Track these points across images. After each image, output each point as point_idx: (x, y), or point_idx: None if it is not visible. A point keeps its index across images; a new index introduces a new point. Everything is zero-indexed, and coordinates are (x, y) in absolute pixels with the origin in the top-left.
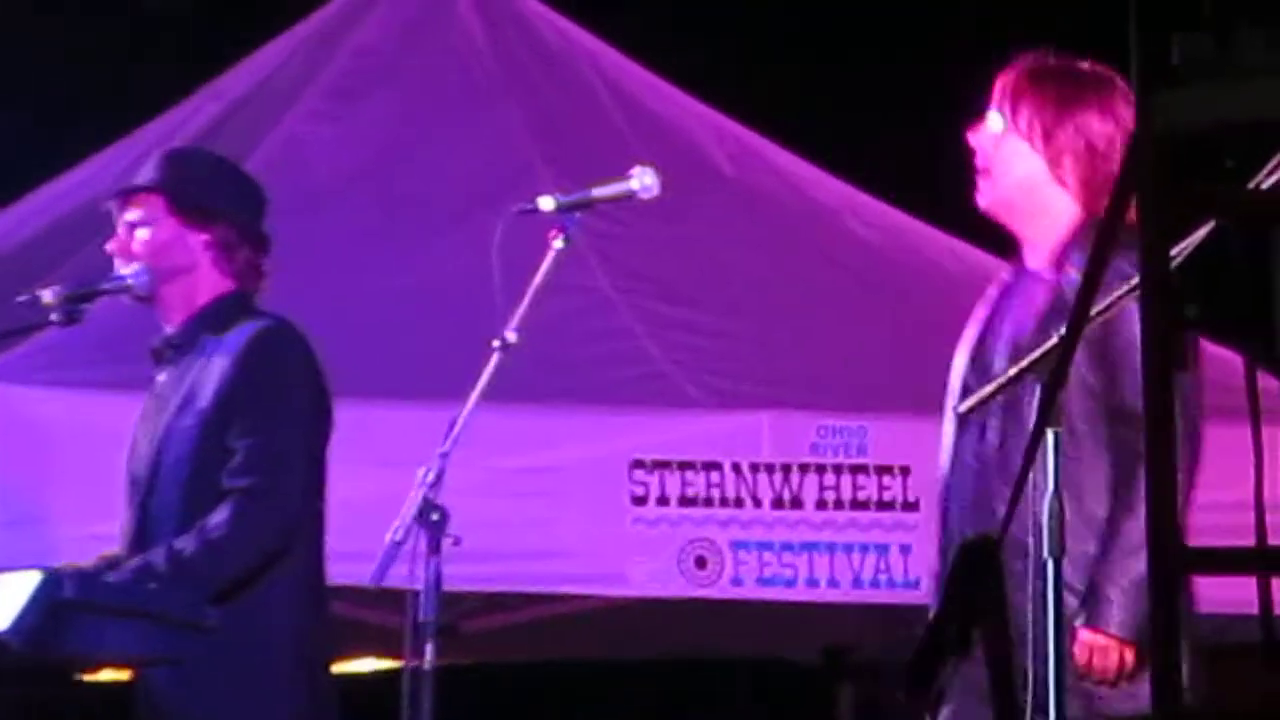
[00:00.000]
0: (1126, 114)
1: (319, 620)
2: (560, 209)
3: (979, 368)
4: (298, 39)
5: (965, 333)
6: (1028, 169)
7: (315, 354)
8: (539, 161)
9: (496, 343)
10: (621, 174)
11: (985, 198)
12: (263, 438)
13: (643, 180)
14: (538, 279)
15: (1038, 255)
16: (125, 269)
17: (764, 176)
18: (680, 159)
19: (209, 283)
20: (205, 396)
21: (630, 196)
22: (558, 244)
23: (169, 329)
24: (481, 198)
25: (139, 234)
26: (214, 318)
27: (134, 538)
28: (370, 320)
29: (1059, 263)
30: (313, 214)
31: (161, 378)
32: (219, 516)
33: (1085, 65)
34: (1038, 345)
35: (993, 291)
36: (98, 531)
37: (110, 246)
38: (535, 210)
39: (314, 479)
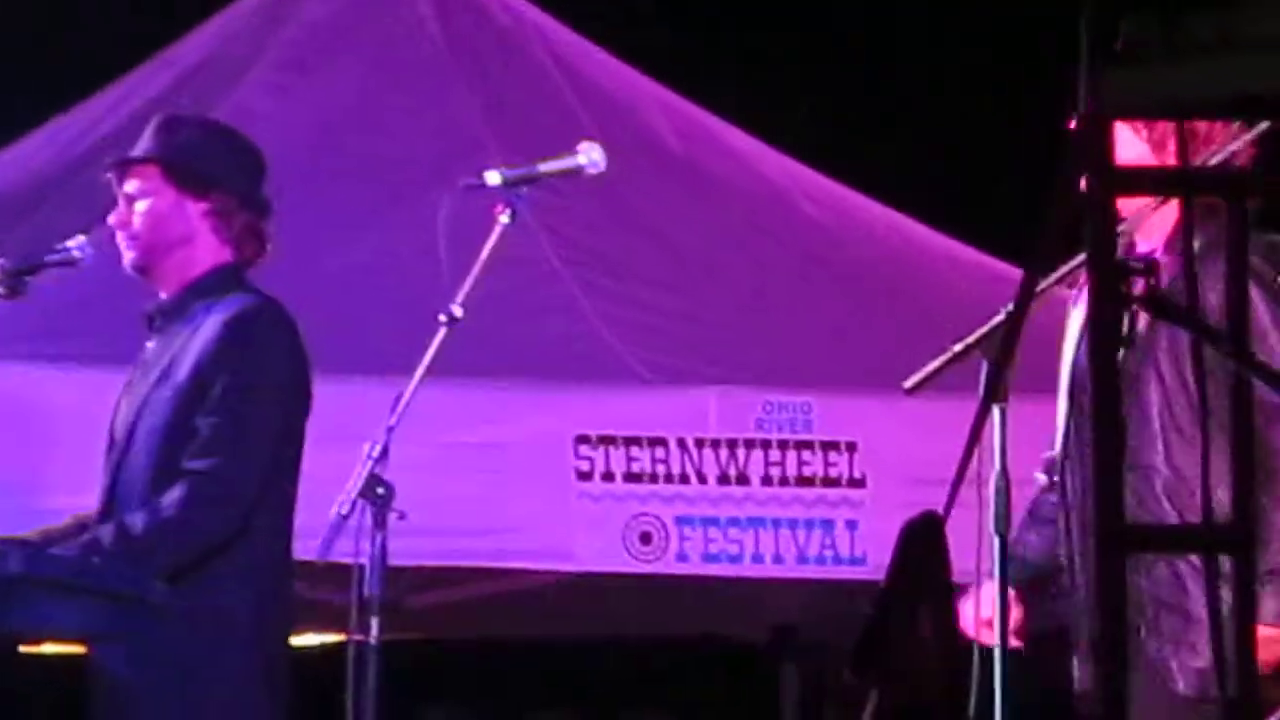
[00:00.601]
0: None
1: (277, 601)
2: (507, 184)
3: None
4: (249, 9)
5: (1070, 319)
6: (1135, 155)
7: (298, 334)
8: (487, 137)
9: (443, 318)
10: (569, 150)
11: None
12: (226, 420)
13: (589, 156)
14: (484, 254)
15: (1150, 240)
16: (71, 241)
17: (712, 154)
18: (628, 136)
19: (207, 252)
20: (183, 370)
21: (577, 172)
22: (504, 219)
23: (163, 296)
24: (429, 173)
25: (137, 206)
26: (206, 289)
27: (105, 501)
28: (317, 295)
29: (1170, 245)
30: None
31: (150, 344)
32: (171, 497)
33: None
34: (1149, 332)
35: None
36: (54, 505)
37: (111, 219)
38: (482, 185)
39: (282, 462)
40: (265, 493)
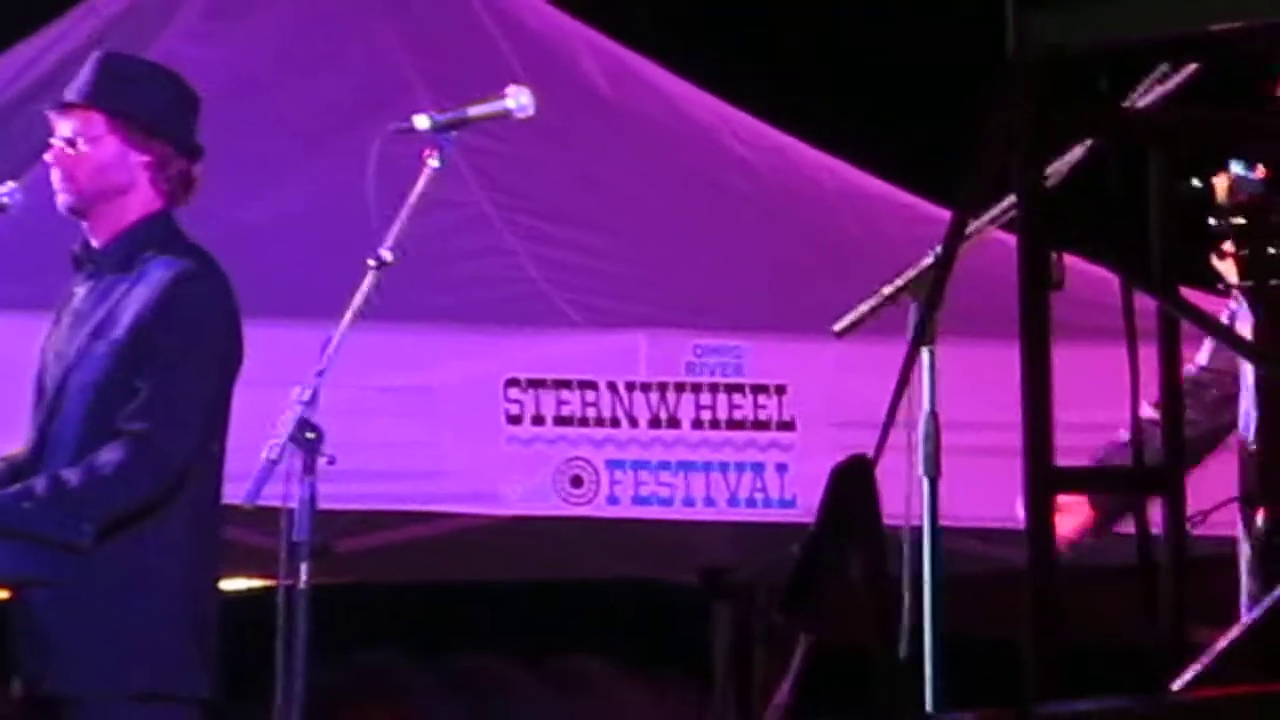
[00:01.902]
0: None
1: (206, 558)
2: (436, 128)
3: None
4: None
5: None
6: None
7: (234, 297)
8: (416, 81)
9: (372, 262)
10: (498, 94)
11: None
12: (165, 385)
13: (519, 100)
14: (413, 198)
15: None
16: (1, 187)
17: (642, 96)
18: (558, 78)
19: (141, 200)
20: (120, 328)
21: (506, 116)
22: (433, 163)
23: (94, 242)
24: (358, 117)
25: (79, 149)
26: (142, 240)
27: (33, 452)
28: (246, 240)
29: None
30: None
31: (80, 290)
32: (108, 455)
33: None
34: None
35: None
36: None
37: (48, 158)
38: (411, 129)
39: (214, 426)
40: (198, 456)
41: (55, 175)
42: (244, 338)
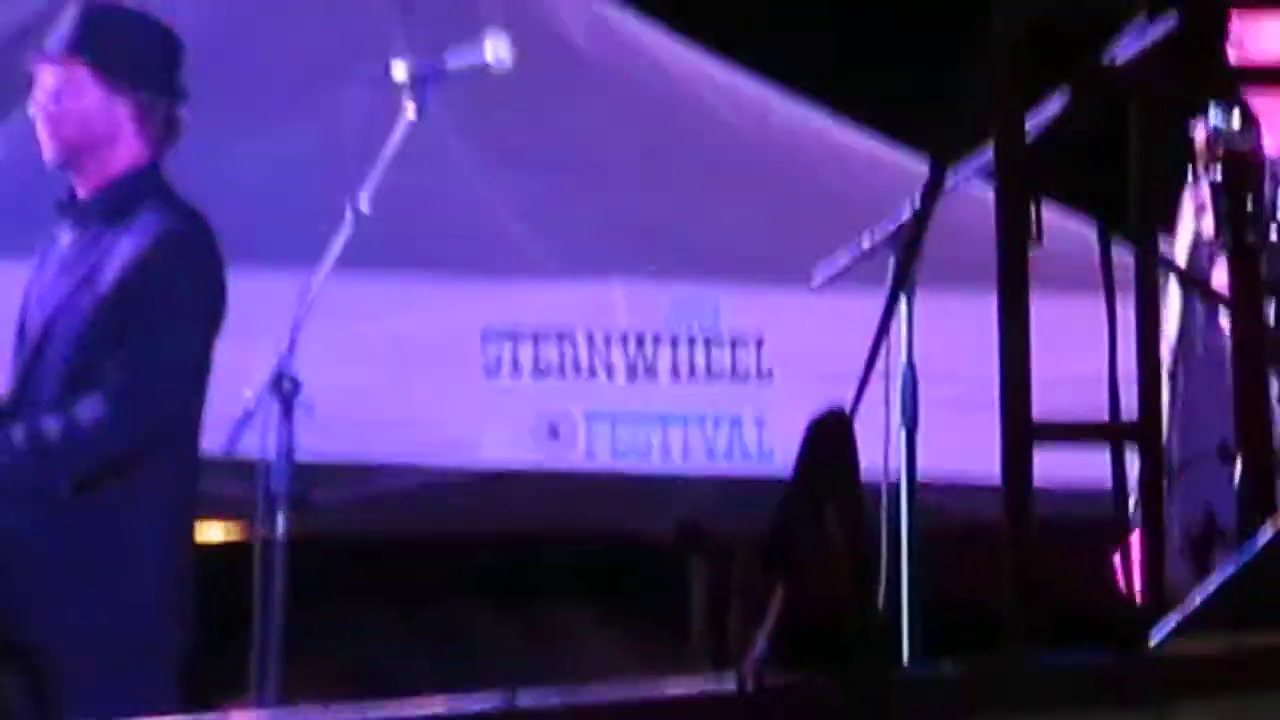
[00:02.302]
0: None
1: (185, 512)
2: (414, 78)
3: None
4: None
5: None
6: None
7: (219, 255)
8: (393, 30)
9: (350, 211)
10: (476, 44)
11: None
12: (148, 339)
13: (496, 52)
14: (390, 148)
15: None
16: None
17: (620, 47)
18: (536, 30)
19: (127, 149)
20: (106, 281)
21: (484, 67)
22: (411, 113)
23: (81, 192)
24: (336, 67)
25: (63, 102)
26: (130, 192)
27: (13, 398)
28: (223, 188)
29: None
30: None
31: (66, 238)
32: (88, 409)
33: None
34: None
35: None
36: None
37: (31, 110)
38: (389, 79)
39: (194, 382)
40: (179, 412)
41: (40, 129)
42: (226, 294)
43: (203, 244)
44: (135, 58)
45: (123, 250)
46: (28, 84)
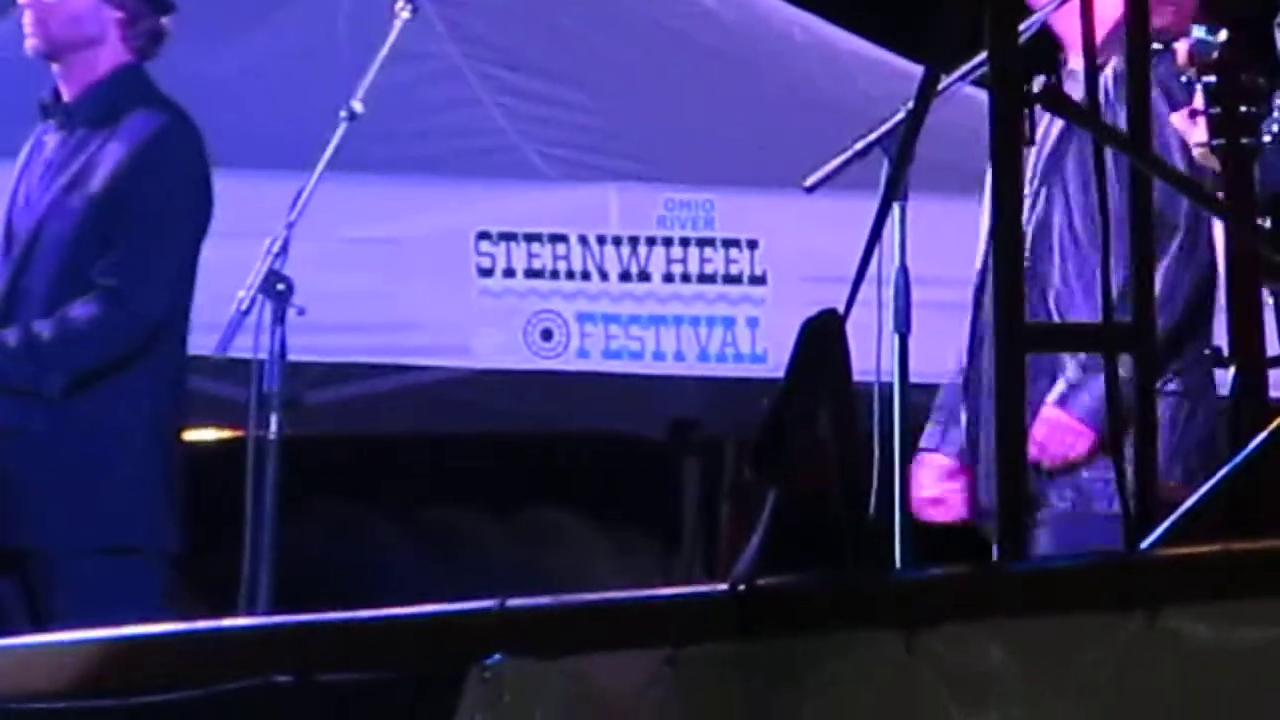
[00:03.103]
0: None
1: (175, 412)
2: None
3: None
4: None
5: None
6: None
7: (206, 154)
8: None
9: (343, 113)
10: None
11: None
12: (141, 240)
13: None
14: (384, 49)
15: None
16: None
17: None
18: None
19: (112, 53)
20: (97, 182)
21: None
22: (404, 14)
23: (66, 94)
24: None
25: (54, 1)
26: (116, 93)
27: (3, 301)
28: (216, 91)
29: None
30: None
31: (51, 140)
32: (81, 310)
33: None
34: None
35: None
36: None
37: (22, 2)
38: None
39: (184, 283)
40: (169, 312)
41: (27, 18)
42: (214, 192)
43: (189, 144)
44: None
45: (111, 152)
46: None
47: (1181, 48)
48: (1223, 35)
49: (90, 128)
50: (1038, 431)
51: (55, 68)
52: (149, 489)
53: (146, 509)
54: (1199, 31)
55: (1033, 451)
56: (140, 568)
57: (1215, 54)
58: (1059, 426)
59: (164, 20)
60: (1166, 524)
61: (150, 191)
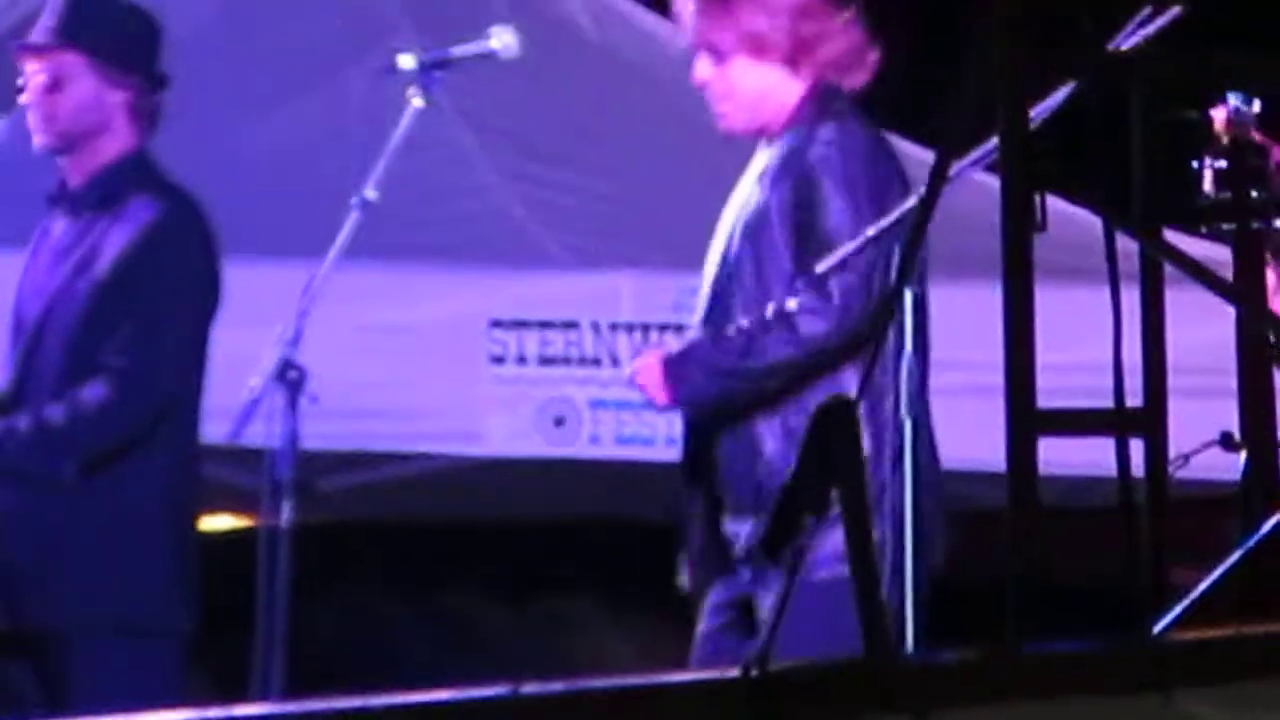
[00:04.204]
0: None
1: (187, 494)
2: (420, 67)
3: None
4: None
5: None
6: (764, 83)
7: (213, 236)
8: (400, 19)
9: (356, 201)
10: (483, 34)
11: (732, 122)
12: (148, 321)
13: (502, 40)
14: (397, 136)
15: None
16: None
17: (626, 35)
18: (543, 17)
19: (117, 138)
20: (103, 265)
21: (490, 56)
22: (417, 102)
23: (72, 181)
24: (342, 55)
25: (57, 90)
26: (121, 178)
27: (12, 390)
28: (230, 177)
29: (795, 122)
30: (171, 70)
31: (58, 227)
32: (92, 392)
33: None
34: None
35: None
36: None
37: (26, 98)
38: (395, 69)
39: (194, 363)
40: (179, 391)
41: (34, 117)
42: (224, 275)
43: (194, 226)
44: (126, 45)
45: (117, 235)
46: (20, 75)
47: (1219, 115)
48: (1257, 106)
49: (95, 212)
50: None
51: (62, 159)
52: (162, 568)
53: (160, 588)
54: (1234, 100)
55: None
56: (154, 648)
57: (1251, 125)
58: None
59: (161, 96)
60: (1179, 608)
61: (156, 273)
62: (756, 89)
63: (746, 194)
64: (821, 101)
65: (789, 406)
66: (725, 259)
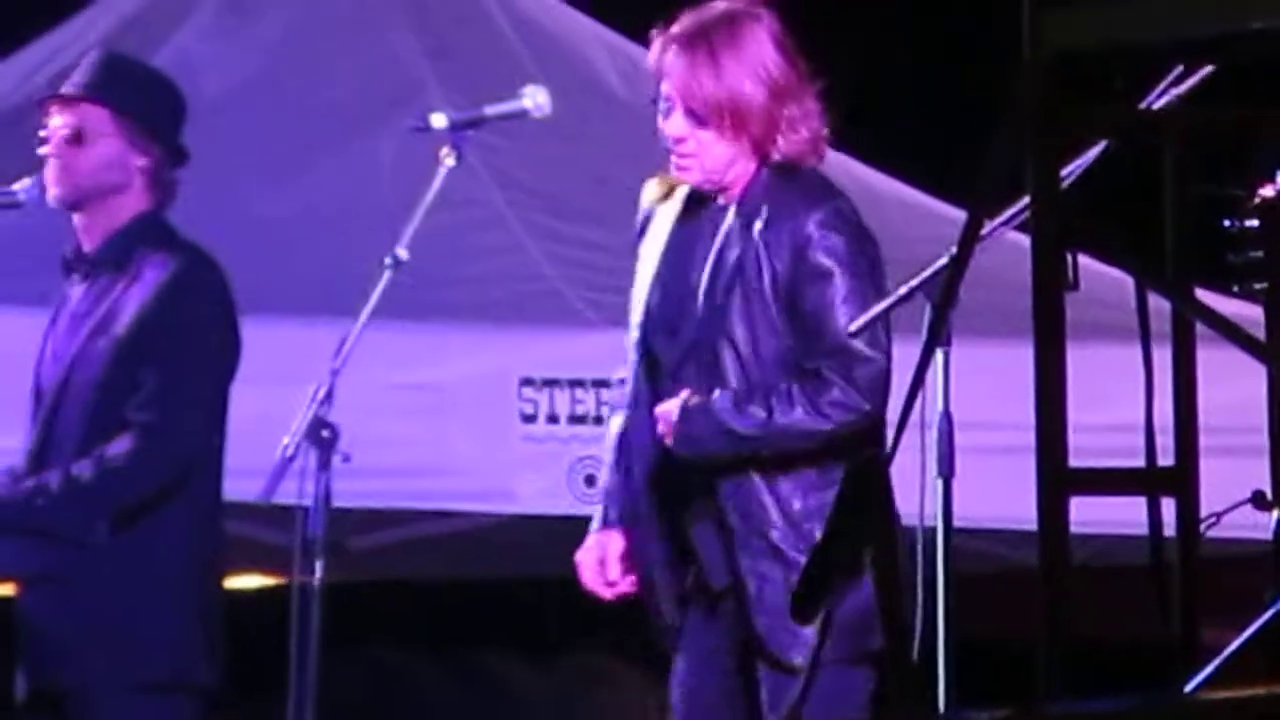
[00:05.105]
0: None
1: (212, 550)
2: (452, 127)
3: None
4: None
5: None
6: (731, 153)
7: (230, 292)
8: (431, 79)
9: (388, 260)
10: (514, 92)
11: (691, 178)
12: (171, 375)
13: (535, 99)
14: (429, 196)
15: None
16: (17, 184)
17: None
18: (572, 76)
19: (133, 202)
20: (121, 324)
21: (523, 115)
22: (449, 161)
23: (87, 245)
24: (373, 115)
25: (81, 145)
26: (136, 239)
27: (35, 454)
28: (262, 237)
29: (755, 190)
30: (203, 131)
31: (75, 293)
32: (119, 447)
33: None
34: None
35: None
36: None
37: (45, 151)
38: (427, 128)
39: (217, 416)
40: (204, 445)
41: (52, 167)
42: (247, 333)
43: (210, 281)
44: (154, 112)
45: (134, 295)
46: (43, 127)
47: (1268, 192)
48: None
49: (112, 275)
50: None
51: (76, 219)
52: (187, 624)
53: (184, 645)
54: None
55: None
56: (178, 704)
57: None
58: None
59: (178, 170)
60: (1211, 667)
61: (174, 327)
62: (726, 157)
63: (710, 255)
64: (793, 176)
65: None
66: (703, 321)
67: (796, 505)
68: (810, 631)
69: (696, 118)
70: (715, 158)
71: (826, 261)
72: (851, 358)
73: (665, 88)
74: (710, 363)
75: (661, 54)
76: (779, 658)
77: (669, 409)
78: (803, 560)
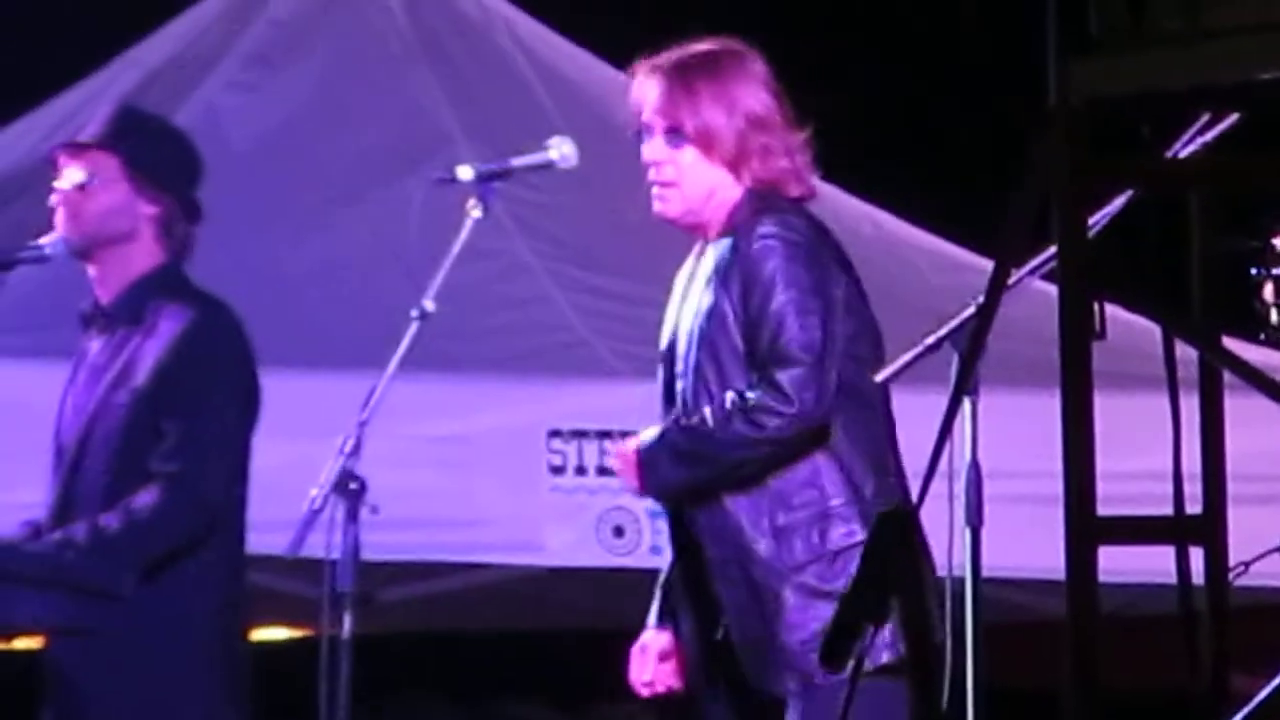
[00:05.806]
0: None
1: (236, 600)
2: (479, 178)
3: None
4: (216, 8)
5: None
6: (710, 180)
7: (248, 340)
8: (456, 131)
9: (415, 312)
10: (540, 143)
11: (670, 210)
12: (193, 424)
13: (561, 150)
14: (455, 248)
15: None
16: (45, 238)
17: None
18: (597, 126)
19: (145, 253)
20: (140, 375)
21: (549, 166)
22: (475, 213)
23: (103, 297)
24: (399, 167)
25: (89, 192)
26: (152, 290)
27: (58, 508)
28: (289, 289)
29: (733, 223)
30: (230, 183)
31: (94, 346)
32: (145, 498)
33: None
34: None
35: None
36: (21, 500)
37: (55, 200)
38: (453, 180)
39: (238, 466)
40: (227, 494)
41: (61, 213)
42: (274, 385)
43: (228, 330)
44: (165, 163)
45: (152, 346)
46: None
47: None
48: None
49: (129, 327)
50: None
51: (91, 271)
52: (212, 674)
53: (210, 695)
54: None
55: None
56: None
57: None
58: None
59: (193, 226)
60: (1240, 715)
61: (195, 378)
62: (705, 184)
63: (697, 298)
64: (760, 202)
65: (774, 505)
66: (688, 367)
67: (781, 520)
68: (789, 651)
69: (675, 139)
70: (694, 184)
71: (764, 273)
72: (778, 362)
73: (645, 115)
74: (693, 410)
75: (642, 83)
76: (773, 693)
77: (621, 451)
78: (791, 571)
